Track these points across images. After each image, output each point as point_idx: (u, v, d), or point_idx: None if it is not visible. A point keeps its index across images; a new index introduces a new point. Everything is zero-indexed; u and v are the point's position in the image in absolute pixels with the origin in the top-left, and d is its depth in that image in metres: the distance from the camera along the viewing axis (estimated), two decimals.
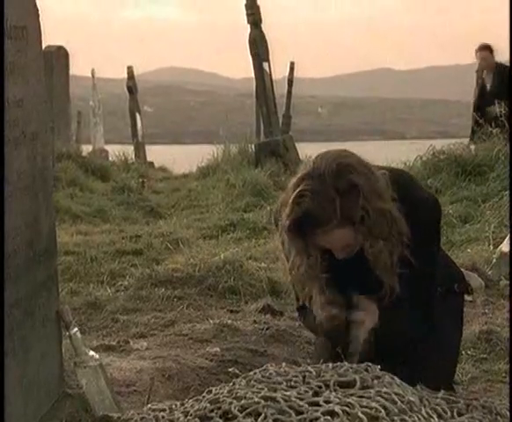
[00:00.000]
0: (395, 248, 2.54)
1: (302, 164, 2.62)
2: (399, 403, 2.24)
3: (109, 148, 17.57)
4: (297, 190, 2.45)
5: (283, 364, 2.43)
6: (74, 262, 5.33)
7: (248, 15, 10.62)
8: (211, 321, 3.95)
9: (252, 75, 10.55)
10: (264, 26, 10.65)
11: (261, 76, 10.31)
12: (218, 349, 3.54)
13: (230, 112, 33.65)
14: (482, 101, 9.86)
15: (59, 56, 12.25)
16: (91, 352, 2.51)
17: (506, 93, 8.85)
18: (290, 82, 14.58)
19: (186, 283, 4.62)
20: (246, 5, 10.62)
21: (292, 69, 14.54)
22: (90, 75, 19.12)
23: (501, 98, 9.00)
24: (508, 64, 9.47)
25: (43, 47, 2.59)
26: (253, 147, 10.40)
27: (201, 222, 7.57)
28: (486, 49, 9.98)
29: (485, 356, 3.61)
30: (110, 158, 15.95)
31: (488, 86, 9.94)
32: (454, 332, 2.97)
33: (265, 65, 10.32)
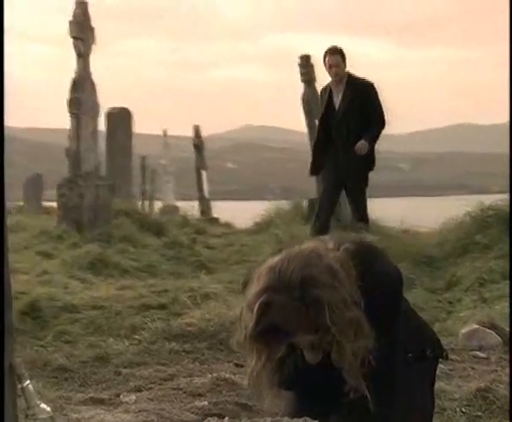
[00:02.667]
0: (360, 350, 2.55)
1: (268, 263, 2.58)
2: None
3: (181, 204, 17.92)
4: (262, 299, 2.46)
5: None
6: (99, 316, 5.44)
7: (302, 74, 10.80)
8: (209, 375, 3.97)
9: None
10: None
11: (313, 133, 10.38)
12: (206, 403, 3.57)
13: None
14: None
15: (122, 117, 12.61)
16: (43, 405, 2.56)
17: None
18: None
19: (197, 337, 4.66)
20: (300, 64, 10.79)
21: None
22: (161, 133, 19.58)
23: None
24: None
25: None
26: (307, 203, 10.46)
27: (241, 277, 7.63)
28: None
29: (479, 414, 3.53)
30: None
31: None
32: (425, 398, 2.92)
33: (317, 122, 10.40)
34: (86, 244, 8.87)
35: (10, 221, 10.86)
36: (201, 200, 15.75)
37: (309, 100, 10.57)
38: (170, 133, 20.19)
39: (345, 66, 8.15)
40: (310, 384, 2.72)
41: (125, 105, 13.28)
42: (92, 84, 10.27)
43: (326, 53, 8.09)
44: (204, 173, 16.02)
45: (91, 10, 10.30)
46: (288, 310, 2.41)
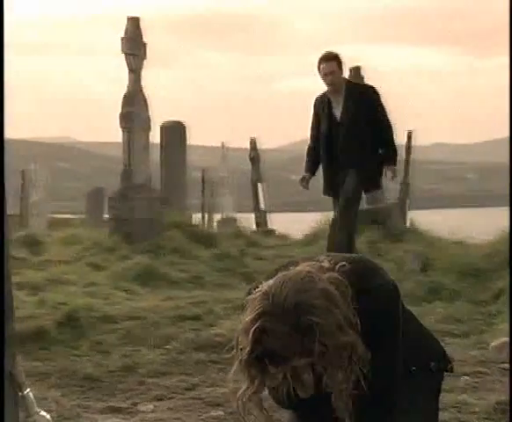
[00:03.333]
0: (353, 373, 2.54)
1: (262, 288, 2.59)
2: None
3: (240, 215, 18.01)
4: (257, 325, 2.46)
5: None
6: (136, 326, 5.53)
7: None
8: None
9: None
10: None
11: None
12: (222, 413, 3.59)
13: None
14: None
15: (176, 130, 12.76)
16: (42, 413, 2.64)
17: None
18: (408, 149, 14.56)
19: (224, 348, 4.69)
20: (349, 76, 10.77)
21: (410, 137, 14.54)
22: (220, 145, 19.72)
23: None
24: None
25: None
26: None
27: None
28: None
29: None
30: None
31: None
32: (429, 413, 2.89)
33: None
34: (136, 256, 9.01)
35: (65, 233, 11.11)
36: (257, 212, 15.83)
37: None
38: (231, 145, 20.34)
39: (341, 73, 7.34)
40: (307, 403, 2.72)
41: (185, 119, 13.43)
42: (144, 99, 10.43)
43: (321, 60, 7.26)
44: (260, 185, 16.09)
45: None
46: (283, 337, 2.40)
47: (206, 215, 17.39)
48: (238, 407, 2.66)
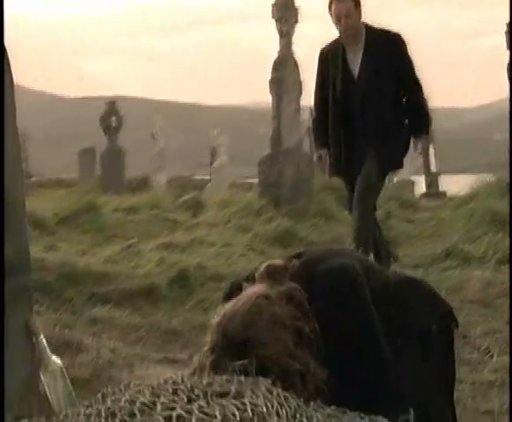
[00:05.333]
0: (308, 392, 2.58)
1: (216, 318, 2.47)
2: (247, 412, 2.35)
3: (416, 178, 17.75)
4: (212, 359, 2.50)
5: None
6: None
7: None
8: None
9: None
10: None
11: None
12: None
13: None
14: None
15: None
16: (54, 358, 2.89)
17: None
18: None
19: None
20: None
21: None
22: None
23: None
24: None
25: None
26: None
27: (420, 250, 7.62)
28: None
29: None
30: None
31: None
32: (436, 373, 2.85)
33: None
34: (280, 219, 9.22)
35: (224, 196, 11.52)
36: (427, 175, 15.57)
37: None
38: None
39: (360, 15, 5.64)
40: None
41: None
42: (295, 63, 10.57)
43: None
44: (432, 147, 15.79)
45: None
46: (236, 370, 2.51)
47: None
48: None
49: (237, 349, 2.50)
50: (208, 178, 19.49)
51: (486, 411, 3.29)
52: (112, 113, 17.61)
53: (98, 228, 9.55)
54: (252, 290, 2.63)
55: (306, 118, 13.45)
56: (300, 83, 10.56)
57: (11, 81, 2.91)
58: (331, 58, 5.74)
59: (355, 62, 5.65)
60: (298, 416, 2.51)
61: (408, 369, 2.77)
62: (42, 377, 2.86)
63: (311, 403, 2.66)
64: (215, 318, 2.62)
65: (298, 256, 2.77)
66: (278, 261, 2.76)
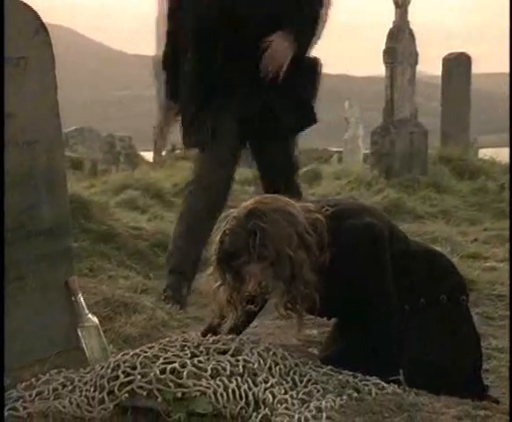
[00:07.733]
0: (296, 291, 2.71)
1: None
2: (238, 368, 2.52)
3: None
4: (222, 228, 2.79)
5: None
6: None
7: None
8: None
9: None
10: None
11: None
12: (315, 332, 3.78)
13: None
14: None
15: (459, 62, 12.51)
16: (90, 315, 3.10)
17: None
18: None
19: None
20: None
21: None
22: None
23: None
24: None
25: None
26: None
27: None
28: None
29: None
30: None
31: None
32: (437, 345, 2.88)
33: None
34: (389, 190, 9.18)
35: (335, 168, 11.55)
36: None
37: None
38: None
39: None
40: None
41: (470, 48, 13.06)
42: (411, 33, 10.43)
43: None
44: None
45: None
46: (234, 235, 2.69)
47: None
48: (212, 302, 2.97)
49: (243, 217, 2.73)
50: (341, 149, 19.45)
51: None
52: None
53: None
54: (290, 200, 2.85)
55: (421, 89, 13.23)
56: (416, 54, 10.43)
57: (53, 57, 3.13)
58: None
59: None
60: (292, 373, 2.65)
61: (413, 334, 2.82)
62: (79, 333, 3.08)
63: (309, 361, 2.78)
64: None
65: (333, 205, 2.90)
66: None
